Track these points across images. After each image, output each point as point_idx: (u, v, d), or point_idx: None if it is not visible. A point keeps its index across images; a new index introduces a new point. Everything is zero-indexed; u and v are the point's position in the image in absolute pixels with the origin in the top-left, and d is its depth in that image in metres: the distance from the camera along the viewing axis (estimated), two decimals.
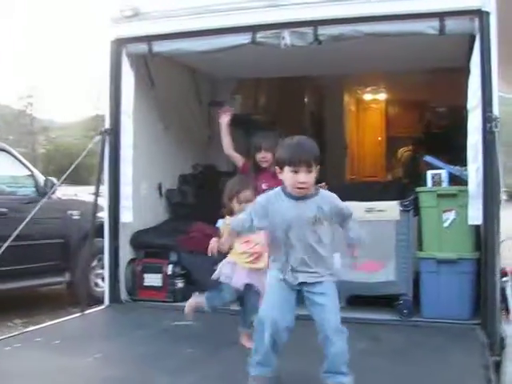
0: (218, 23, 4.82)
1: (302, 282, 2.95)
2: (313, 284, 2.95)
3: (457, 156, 6.57)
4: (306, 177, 2.88)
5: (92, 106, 26.07)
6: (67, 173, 4.91)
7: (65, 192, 7.27)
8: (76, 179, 11.12)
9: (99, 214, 6.97)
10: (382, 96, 9.89)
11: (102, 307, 5.13)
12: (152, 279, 5.29)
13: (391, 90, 9.44)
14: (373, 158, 10.16)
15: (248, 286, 3.69)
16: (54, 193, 6.50)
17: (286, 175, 2.92)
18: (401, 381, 3.34)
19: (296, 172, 2.88)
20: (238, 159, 4.88)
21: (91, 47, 45.48)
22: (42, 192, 6.52)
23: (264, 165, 4.58)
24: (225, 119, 4.90)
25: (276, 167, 3.00)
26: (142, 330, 4.32)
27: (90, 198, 7.96)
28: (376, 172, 9.65)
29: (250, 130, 7.78)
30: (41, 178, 6.79)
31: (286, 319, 2.94)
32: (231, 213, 3.71)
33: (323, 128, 7.74)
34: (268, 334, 2.91)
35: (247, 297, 3.75)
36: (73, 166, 4.85)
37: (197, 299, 3.90)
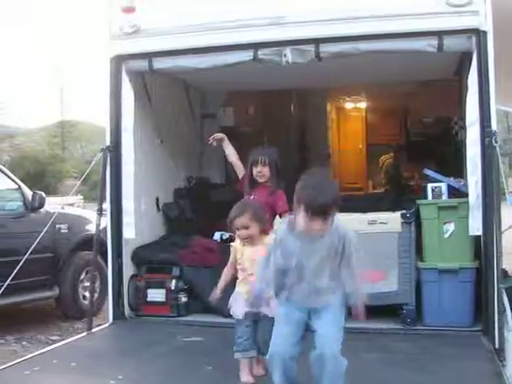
0: (219, 40, 4.87)
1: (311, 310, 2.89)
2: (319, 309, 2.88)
3: (440, 165, 6.77)
4: (322, 224, 2.68)
5: (57, 113, 25.75)
6: (74, 188, 4.86)
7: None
8: (44, 188, 10.88)
9: (87, 227, 7.02)
10: (363, 104, 10.05)
11: (107, 324, 5.11)
12: (155, 294, 5.30)
13: (372, 99, 9.60)
14: (354, 165, 10.29)
15: (251, 314, 3.46)
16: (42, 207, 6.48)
17: (300, 218, 2.70)
18: None
19: (312, 218, 2.65)
20: (241, 170, 4.56)
21: (60, 55, 44.81)
22: (29, 206, 6.45)
23: (261, 180, 4.27)
24: (217, 137, 4.68)
25: (294, 202, 2.81)
26: (156, 347, 4.33)
27: (77, 211, 7.97)
28: (357, 179, 9.77)
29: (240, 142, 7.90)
30: (28, 192, 6.69)
31: (291, 352, 2.86)
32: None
33: (308, 138, 7.86)
34: (278, 372, 2.85)
35: (257, 324, 3.50)
36: (76, 186, 4.82)
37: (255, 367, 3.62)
